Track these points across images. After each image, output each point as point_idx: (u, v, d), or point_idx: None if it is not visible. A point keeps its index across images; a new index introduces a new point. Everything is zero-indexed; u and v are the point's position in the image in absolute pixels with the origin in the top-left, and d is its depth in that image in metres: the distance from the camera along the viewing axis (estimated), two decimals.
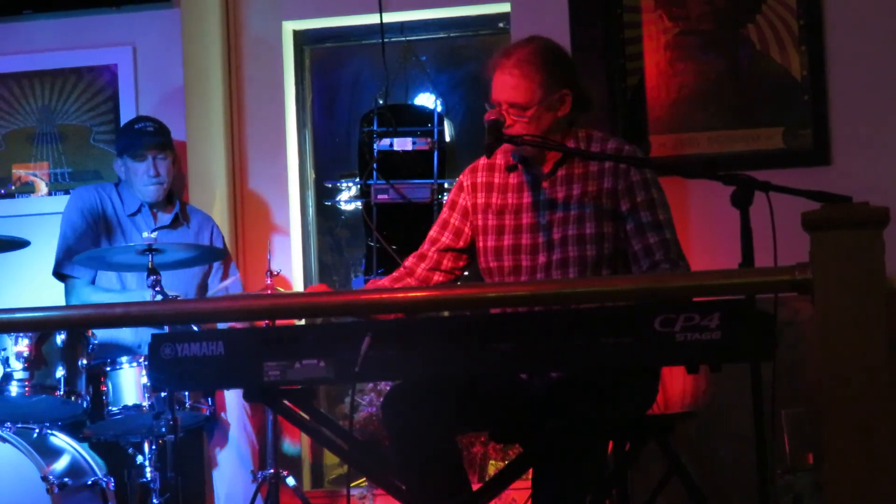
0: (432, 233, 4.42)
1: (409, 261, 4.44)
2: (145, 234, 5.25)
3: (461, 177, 4.42)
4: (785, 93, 5.86)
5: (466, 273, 4.58)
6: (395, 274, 4.44)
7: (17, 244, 5.38)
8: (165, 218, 5.82)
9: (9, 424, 5.12)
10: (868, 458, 2.75)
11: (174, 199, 5.89)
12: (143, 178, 5.73)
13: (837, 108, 5.82)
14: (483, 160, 4.36)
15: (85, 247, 5.63)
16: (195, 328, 4.92)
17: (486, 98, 4.21)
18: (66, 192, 6.31)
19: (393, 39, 6.34)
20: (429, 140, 5.92)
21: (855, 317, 2.75)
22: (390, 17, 6.22)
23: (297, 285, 6.28)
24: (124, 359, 5.25)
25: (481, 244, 4.30)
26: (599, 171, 4.20)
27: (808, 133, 5.83)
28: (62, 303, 5.68)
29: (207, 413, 5.36)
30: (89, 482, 5.18)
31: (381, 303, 3.26)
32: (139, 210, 5.79)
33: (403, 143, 5.92)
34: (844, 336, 2.76)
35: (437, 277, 4.38)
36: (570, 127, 4.27)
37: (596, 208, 4.16)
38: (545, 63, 4.17)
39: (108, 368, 5.24)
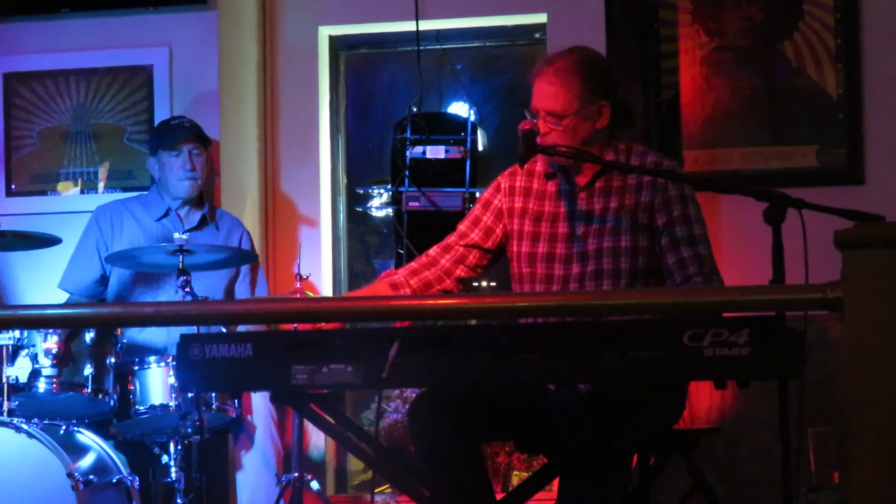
0: (462, 227, 4.40)
1: (434, 251, 4.40)
2: (176, 236, 5.26)
3: (499, 178, 4.39)
4: (820, 111, 5.84)
5: (486, 284, 4.56)
6: (412, 265, 4.40)
7: (49, 241, 5.42)
8: (193, 218, 5.81)
9: (36, 420, 5.14)
10: (894, 478, 2.73)
11: (204, 201, 5.88)
12: (178, 173, 5.72)
13: (872, 127, 5.79)
14: None
15: (81, 271, 5.76)
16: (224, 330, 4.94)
17: (525, 105, 4.21)
18: (97, 191, 6.35)
19: (428, 47, 6.34)
20: (462, 149, 5.91)
21: (885, 336, 2.74)
22: (426, 25, 6.22)
23: (326, 290, 6.28)
24: (152, 358, 5.27)
25: (515, 249, 4.29)
26: (637, 185, 4.20)
27: (842, 152, 5.80)
28: None
29: (234, 415, 5.37)
30: (114, 480, 5.20)
31: (410, 309, 3.25)
32: (166, 214, 5.79)
33: (436, 152, 5.91)
34: (874, 355, 2.75)
35: (460, 272, 4.35)
36: (611, 140, 4.27)
37: (632, 221, 4.16)
38: (585, 73, 4.17)
39: (136, 367, 5.25)
